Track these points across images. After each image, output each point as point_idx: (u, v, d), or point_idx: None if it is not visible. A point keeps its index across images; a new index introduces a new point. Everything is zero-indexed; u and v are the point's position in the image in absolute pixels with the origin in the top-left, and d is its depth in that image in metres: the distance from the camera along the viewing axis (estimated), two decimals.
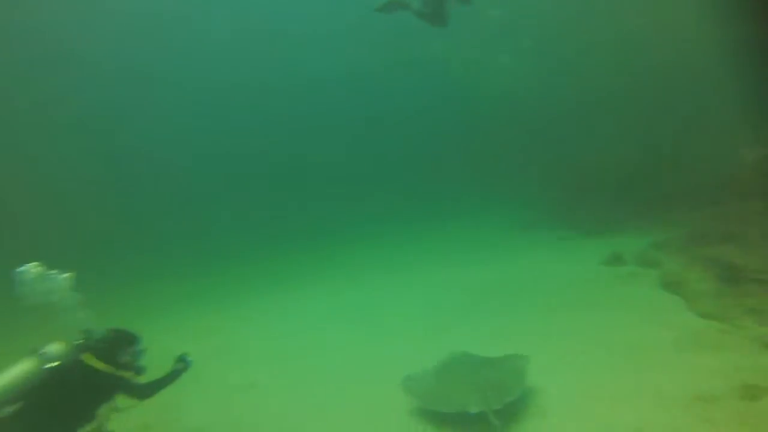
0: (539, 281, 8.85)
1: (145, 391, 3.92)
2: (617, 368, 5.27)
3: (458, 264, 11.25)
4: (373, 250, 14.35)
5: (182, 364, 4.28)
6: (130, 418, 3.99)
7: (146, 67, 22.38)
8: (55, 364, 3.50)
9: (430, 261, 12.05)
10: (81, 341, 3.74)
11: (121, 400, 3.87)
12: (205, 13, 22.44)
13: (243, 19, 23.02)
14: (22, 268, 3.90)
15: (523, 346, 5.44)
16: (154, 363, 4.14)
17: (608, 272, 8.70)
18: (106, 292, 11.81)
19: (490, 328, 7.00)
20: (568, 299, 7.67)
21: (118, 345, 3.87)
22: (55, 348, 3.57)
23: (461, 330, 7.18)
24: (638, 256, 8.93)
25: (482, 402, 4.28)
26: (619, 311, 6.87)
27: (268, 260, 14.84)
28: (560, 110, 14.27)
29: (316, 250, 15.22)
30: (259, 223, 18.47)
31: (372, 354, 6.87)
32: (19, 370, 3.40)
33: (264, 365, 7.01)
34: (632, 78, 12.48)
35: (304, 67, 23.92)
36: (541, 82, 14.88)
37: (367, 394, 5.58)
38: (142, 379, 3.97)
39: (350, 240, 15.72)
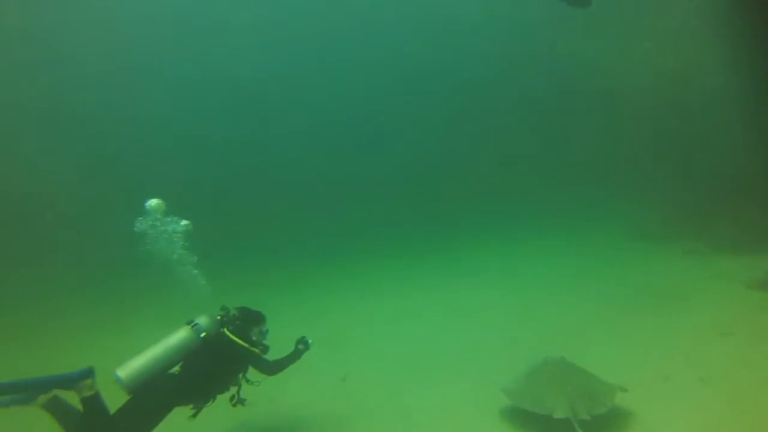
0: (661, 296, 7.71)
1: (273, 367, 4.33)
2: (747, 410, 4.33)
3: (555, 274, 10.29)
4: (471, 251, 13.70)
5: (303, 345, 4.67)
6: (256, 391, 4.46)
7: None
8: (204, 335, 4.03)
9: (525, 268, 11.11)
10: (221, 316, 4.27)
11: (252, 374, 4.38)
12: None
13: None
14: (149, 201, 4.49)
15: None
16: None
17: (755, 296, 7.25)
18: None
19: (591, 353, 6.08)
20: (696, 319, 6.58)
21: (250, 323, 4.35)
22: (203, 320, 4.11)
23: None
24: None
25: (569, 409, 4.22)
26: (764, 344, 5.67)
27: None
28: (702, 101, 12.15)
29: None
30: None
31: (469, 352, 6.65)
32: (179, 337, 3.96)
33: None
34: None
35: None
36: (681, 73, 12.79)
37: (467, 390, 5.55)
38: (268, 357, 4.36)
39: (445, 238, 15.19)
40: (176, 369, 4.00)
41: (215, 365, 4.04)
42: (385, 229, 16.67)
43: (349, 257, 14.17)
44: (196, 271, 5.32)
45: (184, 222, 4.75)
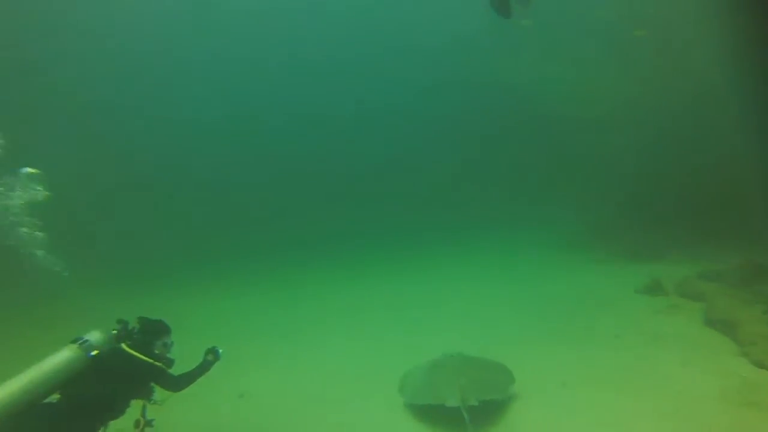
0: (567, 306, 8.05)
1: (180, 382, 3.93)
2: (639, 414, 4.54)
3: (484, 279, 10.62)
4: (403, 260, 13.54)
5: (213, 356, 4.25)
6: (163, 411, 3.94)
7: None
8: (95, 352, 3.56)
9: (457, 274, 11.39)
10: (116, 330, 3.83)
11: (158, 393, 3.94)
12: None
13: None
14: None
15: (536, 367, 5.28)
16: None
17: (645, 301, 7.84)
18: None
19: (506, 348, 6.28)
20: (596, 329, 6.88)
21: (152, 335, 3.93)
22: (95, 336, 3.66)
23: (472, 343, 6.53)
24: (681, 286, 8.02)
25: (460, 398, 4.47)
26: (652, 346, 6.09)
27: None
28: (609, 123, 13.17)
29: (340, 255, 14.53)
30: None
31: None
32: (63, 357, 3.45)
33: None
34: (696, 96, 11.26)
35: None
36: (592, 91, 13.77)
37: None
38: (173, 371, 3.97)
39: (379, 248, 14.89)
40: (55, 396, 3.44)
41: (108, 386, 3.56)
42: (303, 238, 16.34)
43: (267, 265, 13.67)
44: (41, 253, 4.40)
45: (28, 169, 3.80)
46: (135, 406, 3.83)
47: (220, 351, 4.30)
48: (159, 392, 3.91)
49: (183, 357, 4.11)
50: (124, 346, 3.75)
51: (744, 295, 6.52)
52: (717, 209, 10.24)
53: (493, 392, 4.70)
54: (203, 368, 4.14)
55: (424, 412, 4.92)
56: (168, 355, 3.99)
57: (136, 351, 3.73)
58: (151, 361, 3.76)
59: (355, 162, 21.74)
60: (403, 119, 22.29)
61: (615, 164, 12.70)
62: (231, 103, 22.34)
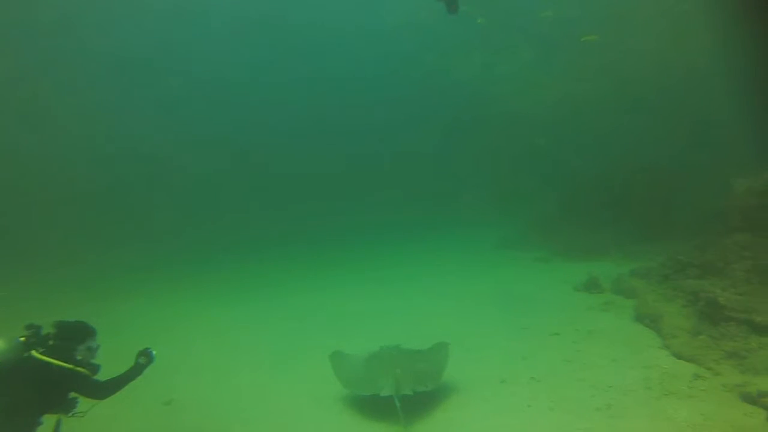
0: (508, 303, 8.29)
1: (105, 388, 3.62)
2: (568, 405, 4.75)
3: (428, 275, 10.85)
4: (348, 259, 13.70)
5: (145, 358, 3.91)
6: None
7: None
8: None
9: (401, 273, 11.47)
10: (25, 337, 3.51)
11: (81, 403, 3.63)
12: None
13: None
14: None
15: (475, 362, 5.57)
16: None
17: (582, 298, 8.21)
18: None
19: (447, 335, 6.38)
20: (535, 326, 7.11)
21: (73, 339, 3.63)
22: None
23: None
24: (616, 283, 8.45)
25: (394, 388, 4.66)
26: (587, 342, 6.37)
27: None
28: (552, 124, 13.72)
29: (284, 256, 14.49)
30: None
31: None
32: None
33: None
34: (631, 99, 11.95)
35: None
36: (536, 93, 14.28)
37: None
38: (100, 377, 3.66)
39: (322, 248, 14.98)
40: None
41: (10, 399, 3.22)
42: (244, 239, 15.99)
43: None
44: None
45: None
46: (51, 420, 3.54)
47: (154, 353, 3.98)
48: (84, 402, 3.61)
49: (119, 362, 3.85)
50: (34, 353, 3.43)
51: (667, 290, 6.95)
52: (653, 208, 10.93)
53: (428, 383, 4.84)
54: (134, 372, 3.82)
55: (359, 402, 5.13)
56: (93, 361, 3.69)
57: (51, 357, 3.43)
58: (71, 367, 3.46)
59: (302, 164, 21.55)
60: (350, 119, 22.15)
61: (558, 163, 13.31)
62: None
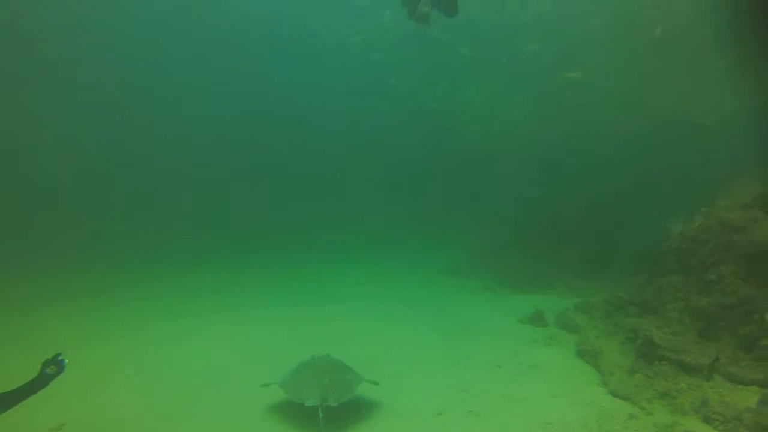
0: (453, 332, 8.14)
1: None
2: None
3: (370, 297, 10.58)
4: (294, 278, 13.04)
5: (55, 368, 3.34)
6: None
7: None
8: None
9: (341, 293, 11.09)
10: None
11: None
12: None
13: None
14: None
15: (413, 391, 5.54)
16: None
17: (526, 331, 8.21)
18: None
19: (386, 368, 6.14)
20: (478, 357, 7.00)
21: None
22: None
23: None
24: (560, 317, 8.55)
25: (320, 398, 4.70)
26: (528, 376, 6.31)
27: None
28: (513, 154, 13.98)
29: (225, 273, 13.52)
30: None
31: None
32: None
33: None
34: (584, 137, 12.40)
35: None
36: (498, 123, 14.58)
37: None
38: None
39: (271, 266, 14.21)
40: None
41: None
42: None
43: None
44: None
45: None
46: None
47: (66, 362, 3.42)
48: None
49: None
50: None
51: (608, 327, 7.08)
52: (598, 244, 11.33)
53: (351, 392, 4.93)
54: (36, 385, 3.28)
55: (284, 410, 5.25)
56: None
57: None
58: None
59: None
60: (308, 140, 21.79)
61: (509, 193, 13.62)
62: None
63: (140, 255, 14.18)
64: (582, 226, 11.47)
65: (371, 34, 17.89)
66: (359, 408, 5.36)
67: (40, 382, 3.27)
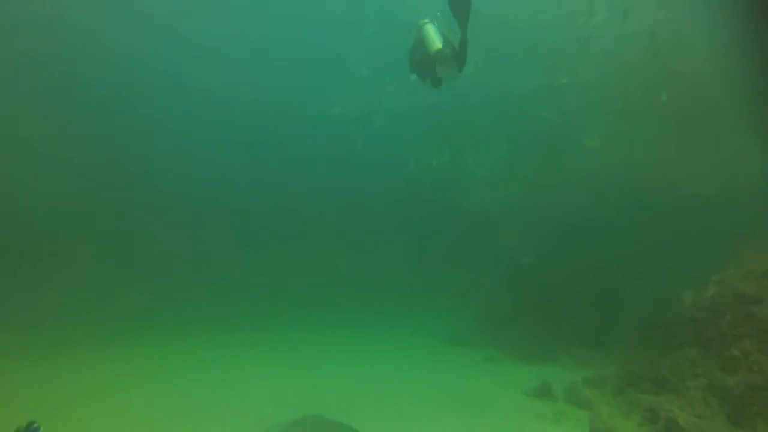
0: (453, 404, 7.47)
1: None
2: None
3: (366, 365, 9.85)
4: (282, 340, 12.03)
5: None
6: None
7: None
8: None
9: (334, 360, 10.18)
10: None
11: None
12: None
13: None
14: None
15: None
16: None
17: (533, 405, 7.54)
18: None
19: None
20: (480, 430, 6.33)
21: None
22: None
23: None
24: (569, 391, 7.91)
25: None
26: None
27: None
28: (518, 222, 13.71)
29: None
30: None
31: None
32: None
33: None
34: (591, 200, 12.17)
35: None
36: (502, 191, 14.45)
37: None
38: None
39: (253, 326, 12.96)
40: None
41: None
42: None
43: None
44: None
45: None
46: None
47: (40, 430, 3.19)
48: None
49: None
50: None
51: (622, 404, 6.50)
52: (603, 312, 10.84)
53: None
54: None
55: None
56: None
57: None
58: None
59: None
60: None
61: (510, 259, 13.25)
62: None
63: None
64: (586, 295, 11.05)
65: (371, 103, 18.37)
66: None
67: None
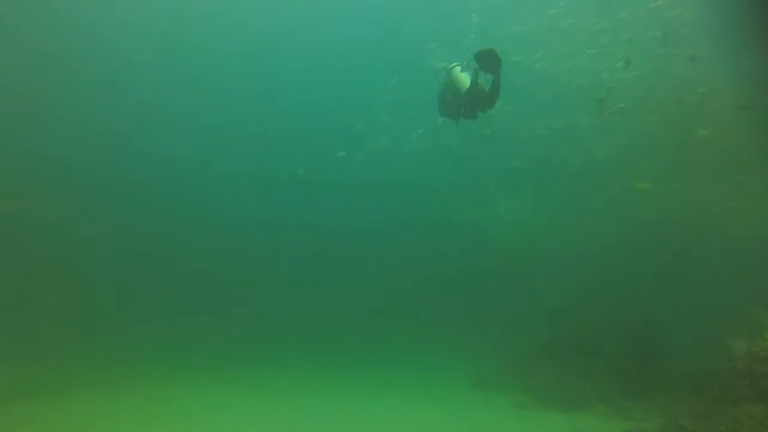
0: None
1: None
2: None
3: (386, 413, 9.07)
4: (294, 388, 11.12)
5: None
6: None
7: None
8: None
9: (354, 408, 9.42)
10: None
11: None
12: None
13: None
14: None
15: None
16: None
17: None
18: None
19: None
20: None
21: None
22: None
23: None
24: None
25: None
26: None
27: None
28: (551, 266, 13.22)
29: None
30: None
31: None
32: None
33: None
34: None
35: None
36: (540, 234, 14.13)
37: None
38: None
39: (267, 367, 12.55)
40: None
41: None
42: None
43: None
44: None
45: None
46: None
47: None
48: None
49: None
50: None
51: None
52: (640, 360, 10.21)
53: None
54: None
55: None
56: None
57: None
58: None
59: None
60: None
61: (541, 300, 12.74)
62: None
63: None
64: (621, 341, 10.46)
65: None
66: None
67: None
